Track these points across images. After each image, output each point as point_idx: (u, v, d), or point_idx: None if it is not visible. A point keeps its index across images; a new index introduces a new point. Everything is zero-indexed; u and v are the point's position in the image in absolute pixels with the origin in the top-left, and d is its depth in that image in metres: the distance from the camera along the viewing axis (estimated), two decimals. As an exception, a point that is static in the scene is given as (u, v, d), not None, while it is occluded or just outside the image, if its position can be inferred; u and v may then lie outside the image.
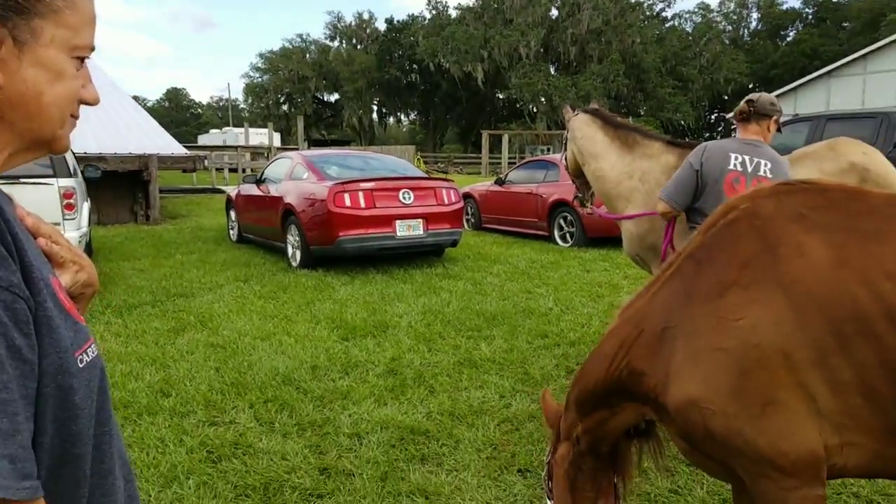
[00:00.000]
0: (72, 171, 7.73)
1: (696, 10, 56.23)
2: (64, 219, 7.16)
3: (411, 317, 6.24)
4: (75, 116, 0.93)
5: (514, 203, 11.74)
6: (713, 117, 57.42)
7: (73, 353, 0.83)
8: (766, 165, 3.23)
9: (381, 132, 65.10)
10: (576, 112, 4.80)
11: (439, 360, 5.00)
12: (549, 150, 40.20)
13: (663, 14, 53.96)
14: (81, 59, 0.90)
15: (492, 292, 7.23)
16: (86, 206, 8.26)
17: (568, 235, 10.61)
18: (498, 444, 3.63)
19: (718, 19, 56.09)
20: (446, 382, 4.55)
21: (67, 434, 0.82)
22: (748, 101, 3.31)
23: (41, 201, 6.77)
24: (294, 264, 8.76)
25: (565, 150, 4.92)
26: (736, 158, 3.24)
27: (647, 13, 52.06)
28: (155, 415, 4.04)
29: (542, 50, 50.10)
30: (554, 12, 50.97)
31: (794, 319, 1.63)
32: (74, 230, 7.27)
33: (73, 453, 0.83)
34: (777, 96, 3.71)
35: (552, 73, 50.48)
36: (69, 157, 7.96)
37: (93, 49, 0.92)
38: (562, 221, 10.73)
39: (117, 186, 13.81)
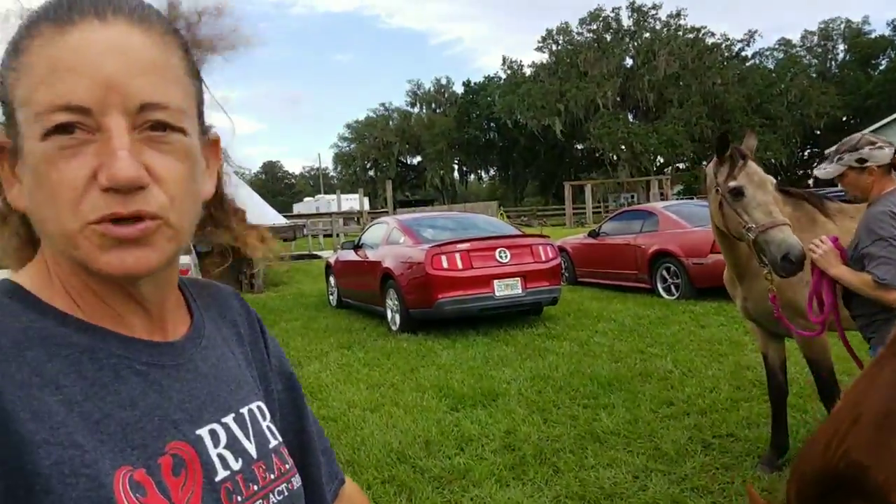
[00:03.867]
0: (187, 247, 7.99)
1: (778, 46, 54.46)
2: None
3: (520, 383, 5.97)
4: (117, 217, 0.59)
5: (612, 255, 11.36)
6: (806, 153, 55.03)
7: None
8: None
9: (463, 189, 66.00)
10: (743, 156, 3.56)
11: (559, 434, 4.70)
12: (633, 197, 39.43)
13: (743, 53, 52.64)
14: (68, 129, 0.58)
15: (601, 353, 6.87)
16: None
17: (673, 287, 10.11)
18: (641, 531, 3.29)
19: (802, 54, 54.24)
20: (570, 460, 4.24)
21: None
22: None
23: None
24: (394, 328, 8.69)
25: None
26: None
27: (726, 53, 50.92)
28: None
29: (619, 99, 49.79)
30: (628, 61, 50.74)
31: None
32: None
33: None
34: (879, 128, 3.25)
35: (631, 120, 49.96)
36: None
37: (82, 110, 0.58)
38: (665, 273, 10.25)
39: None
